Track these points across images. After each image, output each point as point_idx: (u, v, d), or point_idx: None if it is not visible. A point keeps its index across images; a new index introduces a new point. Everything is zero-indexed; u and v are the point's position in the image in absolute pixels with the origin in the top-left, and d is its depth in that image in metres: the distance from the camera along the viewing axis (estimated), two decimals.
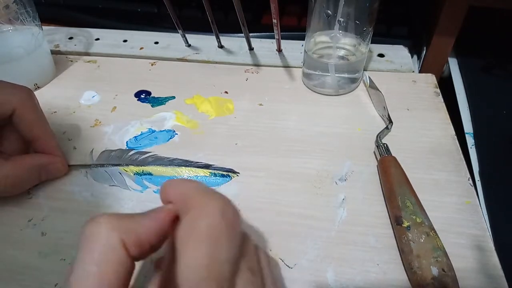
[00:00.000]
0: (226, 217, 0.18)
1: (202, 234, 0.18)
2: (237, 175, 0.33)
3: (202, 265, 0.17)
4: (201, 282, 0.16)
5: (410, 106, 0.39)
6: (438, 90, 0.41)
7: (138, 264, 0.18)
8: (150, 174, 0.33)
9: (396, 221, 0.28)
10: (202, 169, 0.33)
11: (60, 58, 0.47)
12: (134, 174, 0.33)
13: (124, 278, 0.17)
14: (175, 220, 0.19)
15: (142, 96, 0.41)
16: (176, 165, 0.34)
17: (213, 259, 0.17)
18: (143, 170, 0.34)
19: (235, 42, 0.47)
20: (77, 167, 0.34)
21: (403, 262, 0.27)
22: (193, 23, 0.49)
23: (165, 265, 0.18)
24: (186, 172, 0.33)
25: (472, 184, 0.32)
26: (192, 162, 0.34)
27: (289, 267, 0.27)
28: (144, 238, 0.18)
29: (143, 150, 0.35)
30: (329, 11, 0.36)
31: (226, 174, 0.33)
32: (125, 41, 0.49)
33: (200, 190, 0.20)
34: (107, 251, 0.16)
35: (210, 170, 0.33)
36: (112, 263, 0.16)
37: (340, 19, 0.35)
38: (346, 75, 0.40)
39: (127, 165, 0.34)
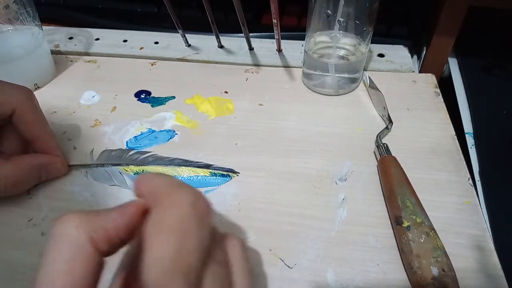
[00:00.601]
0: (197, 209, 0.18)
1: (170, 226, 0.17)
2: (237, 175, 0.33)
3: (167, 257, 0.16)
4: (166, 274, 0.16)
5: (410, 106, 0.39)
6: (438, 90, 0.41)
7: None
8: None
9: (396, 221, 0.28)
10: (202, 169, 0.33)
11: (60, 58, 0.47)
12: (135, 174, 0.33)
13: (94, 274, 0.17)
14: (145, 214, 0.19)
15: (142, 96, 0.41)
16: (176, 165, 0.34)
17: (179, 251, 0.17)
18: (143, 170, 0.34)
19: (235, 42, 0.47)
20: (77, 167, 0.34)
21: (403, 262, 0.27)
22: (193, 23, 0.49)
23: (129, 260, 0.18)
24: (186, 172, 0.33)
25: (472, 184, 0.32)
26: (192, 162, 0.34)
27: (289, 267, 0.27)
28: (113, 233, 0.18)
29: (143, 150, 0.35)
30: (329, 11, 0.36)
31: (226, 174, 0.33)
32: (125, 41, 0.49)
33: (171, 183, 0.20)
34: (75, 249, 0.16)
35: (210, 170, 0.33)
36: (81, 260, 0.16)
37: (340, 19, 0.35)
38: (346, 75, 0.40)
39: (127, 164, 0.34)
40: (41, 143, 0.31)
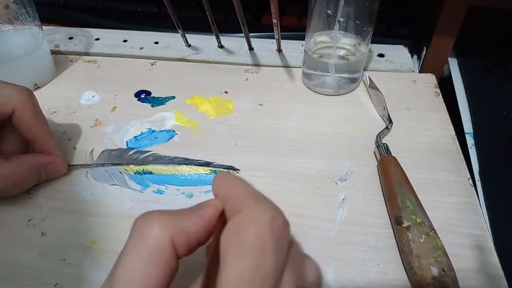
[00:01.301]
0: (275, 228, 0.17)
1: (248, 244, 0.17)
2: (237, 172, 0.33)
3: (244, 278, 0.16)
4: None
5: (410, 106, 0.39)
6: (438, 90, 0.41)
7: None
8: (151, 173, 0.33)
9: (396, 221, 0.28)
10: (203, 167, 0.33)
11: (60, 58, 0.47)
12: (135, 173, 0.33)
13: (169, 278, 0.17)
14: (221, 216, 0.19)
15: (142, 96, 0.41)
16: (176, 163, 0.34)
17: (256, 272, 0.16)
18: (143, 169, 0.34)
19: (235, 42, 0.47)
20: (77, 167, 0.34)
21: (403, 262, 0.27)
22: (193, 23, 0.49)
23: (207, 269, 0.18)
24: (186, 170, 0.33)
25: (472, 184, 0.32)
26: (192, 160, 0.34)
27: None
28: (193, 237, 0.18)
29: (144, 149, 0.35)
30: (329, 11, 0.36)
31: (227, 172, 0.33)
32: (125, 41, 0.49)
33: (250, 192, 0.19)
34: (156, 253, 0.16)
35: (211, 168, 0.33)
36: (160, 264, 0.16)
37: (340, 19, 0.35)
38: (346, 75, 0.40)
39: (127, 164, 0.34)
40: (41, 143, 0.31)
